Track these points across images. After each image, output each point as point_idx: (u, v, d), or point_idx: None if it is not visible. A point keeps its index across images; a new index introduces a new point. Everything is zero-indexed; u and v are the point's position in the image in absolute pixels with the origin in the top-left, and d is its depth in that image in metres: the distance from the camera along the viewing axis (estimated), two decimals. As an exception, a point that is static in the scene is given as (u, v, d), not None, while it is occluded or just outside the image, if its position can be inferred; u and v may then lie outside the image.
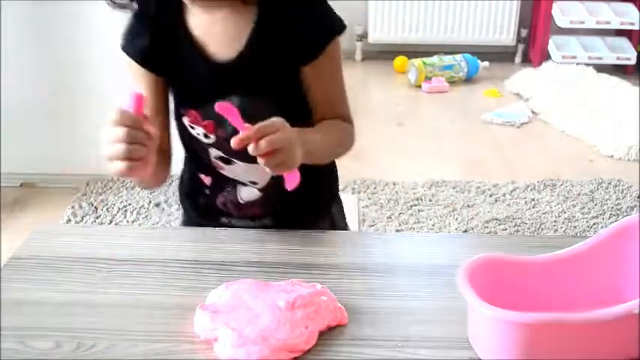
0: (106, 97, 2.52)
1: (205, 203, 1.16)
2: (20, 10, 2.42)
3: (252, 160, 0.92)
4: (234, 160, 1.08)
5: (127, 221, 2.36)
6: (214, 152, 1.08)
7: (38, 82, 2.52)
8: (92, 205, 2.44)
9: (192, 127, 1.06)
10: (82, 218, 2.37)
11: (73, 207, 2.42)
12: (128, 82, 1.09)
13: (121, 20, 2.46)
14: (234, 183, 1.12)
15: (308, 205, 1.12)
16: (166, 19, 1.02)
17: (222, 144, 1.05)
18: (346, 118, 1.10)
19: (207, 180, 1.14)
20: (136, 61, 1.06)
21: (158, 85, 1.07)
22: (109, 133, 0.86)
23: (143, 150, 0.86)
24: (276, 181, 1.06)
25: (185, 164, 1.20)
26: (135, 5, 1.04)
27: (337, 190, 1.26)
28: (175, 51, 1.03)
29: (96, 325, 0.86)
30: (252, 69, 1.01)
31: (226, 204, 1.14)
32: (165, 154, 1.11)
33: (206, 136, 1.06)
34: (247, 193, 1.12)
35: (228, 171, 1.10)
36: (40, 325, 0.86)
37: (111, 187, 2.55)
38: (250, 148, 0.87)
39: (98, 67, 2.48)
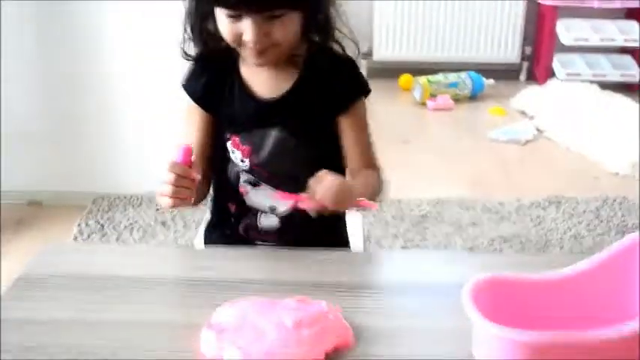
0: (113, 115, 2.55)
1: (229, 232, 1.30)
2: (28, 26, 2.45)
3: (277, 186, 1.19)
4: (261, 183, 1.24)
5: (134, 239, 2.37)
6: (244, 176, 1.25)
7: (45, 100, 2.54)
8: (99, 222, 2.45)
9: (232, 152, 1.24)
10: (89, 236, 2.38)
11: (79, 225, 2.44)
12: (180, 127, 1.29)
13: (130, 36, 2.45)
14: (255, 211, 1.26)
15: (324, 234, 1.24)
16: (222, 65, 1.23)
17: (252, 168, 1.22)
18: (375, 166, 1.27)
19: (232, 207, 1.28)
20: (193, 98, 1.25)
21: (207, 122, 1.26)
22: (163, 176, 1.04)
23: (186, 192, 1.05)
24: (295, 212, 1.20)
25: (213, 199, 1.34)
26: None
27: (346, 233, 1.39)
28: (227, 89, 1.23)
29: (102, 343, 0.87)
30: (291, 110, 1.20)
31: (247, 230, 1.28)
32: (205, 179, 1.25)
33: (242, 160, 1.23)
34: (267, 222, 1.26)
35: (253, 195, 1.25)
36: (46, 343, 0.87)
37: (117, 205, 2.57)
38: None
39: (106, 83, 2.50)
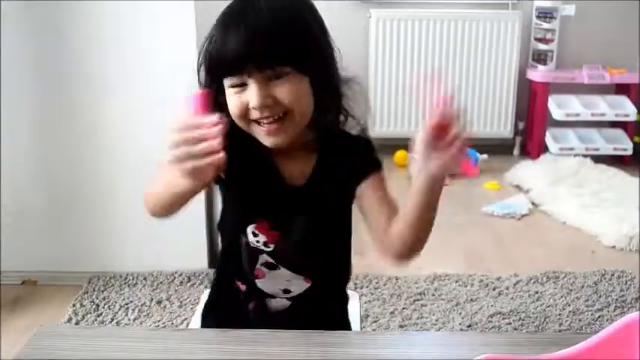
0: (108, 194, 2.56)
1: (236, 308, 1.26)
2: (25, 103, 2.49)
3: (297, 270, 1.20)
4: (279, 267, 1.22)
5: (129, 319, 2.34)
6: (263, 259, 1.21)
7: (40, 179, 2.56)
8: (94, 302, 2.43)
9: (255, 235, 1.20)
10: (84, 317, 2.35)
11: (74, 305, 2.41)
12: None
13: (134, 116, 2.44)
14: (265, 294, 1.24)
15: (336, 314, 1.26)
16: (254, 144, 1.15)
17: (277, 253, 1.20)
18: None
19: (242, 287, 1.26)
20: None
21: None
22: (171, 141, 0.92)
23: (206, 151, 0.91)
24: (310, 295, 1.22)
25: (215, 280, 1.32)
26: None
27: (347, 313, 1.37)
28: (255, 168, 1.18)
29: None
30: (316, 195, 1.18)
31: (256, 310, 1.24)
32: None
33: (265, 244, 1.20)
34: (276, 304, 1.24)
35: (269, 277, 1.22)
36: None
37: (113, 285, 2.55)
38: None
39: (104, 163, 2.53)
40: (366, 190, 1.19)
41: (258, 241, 1.21)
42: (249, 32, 1.05)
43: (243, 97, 1.08)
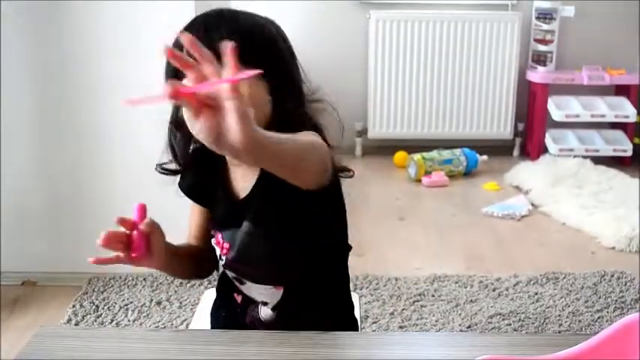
0: (110, 196, 2.56)
1: (237, 320, 1.28)
2: (25, 103, 2.49)
3: (258, 281, 1.22)
4: (245, 281, 1.25)
5: (129, 320, 2.34)
6: (230, 273, 1.26)
7: (40, 180, 2.56)
8: (93, 303, 2.43)
9: (215, 248, 1.26)
10: (83, 317, 2.35)
11: (74, 306, 2.41)
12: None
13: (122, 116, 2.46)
14: (256, 303, 1.26)
15: (327, 320, 1.24)
16: (212, 162, 1.22)
17: (230, 265, 1.24)
18: None
19: (238, 298, 1.28)
20: (185, 194, 1.31)
21: (204, 211, 1.32)
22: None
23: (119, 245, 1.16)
24: (287, 302, 1.22)
25: (218, 286, 1.34)
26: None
27: (355, 319, 1.37)
28: (212, 189, 1.26)
29: None
30: (257, 206, 1.18)
31: (253, 322, 1.26)
32: (198, 258, 1.31)
33: (220, 258, 1.25)
34: (265, 314, 1.25)
35: (245, 290, 1.26)
36: None
37: (112, 286, 2.55)
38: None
39: (104, 163, 2.53)
40: None
41: (217, 255, 1.26)
42: (207, 31, 1.07)
43: None
